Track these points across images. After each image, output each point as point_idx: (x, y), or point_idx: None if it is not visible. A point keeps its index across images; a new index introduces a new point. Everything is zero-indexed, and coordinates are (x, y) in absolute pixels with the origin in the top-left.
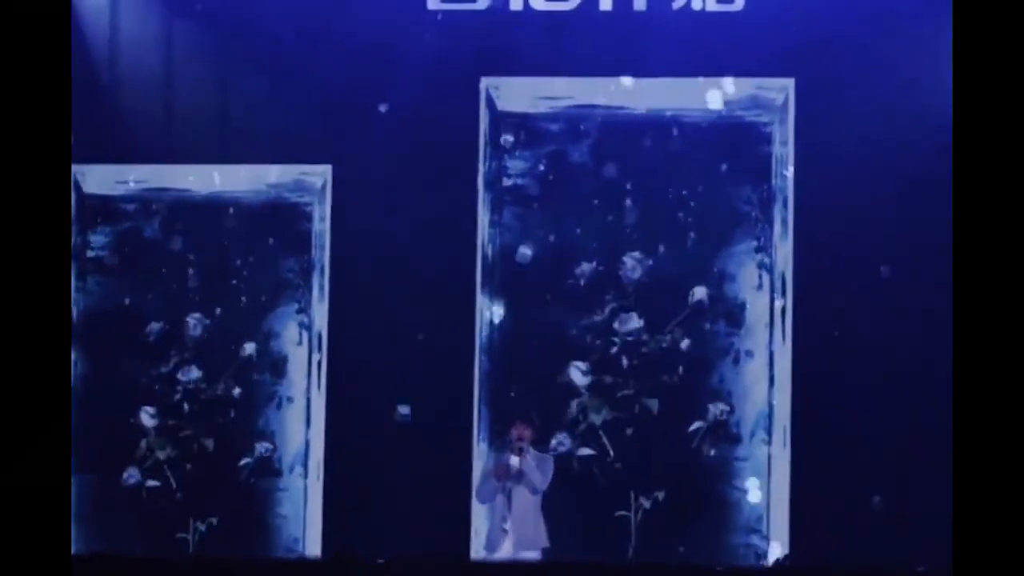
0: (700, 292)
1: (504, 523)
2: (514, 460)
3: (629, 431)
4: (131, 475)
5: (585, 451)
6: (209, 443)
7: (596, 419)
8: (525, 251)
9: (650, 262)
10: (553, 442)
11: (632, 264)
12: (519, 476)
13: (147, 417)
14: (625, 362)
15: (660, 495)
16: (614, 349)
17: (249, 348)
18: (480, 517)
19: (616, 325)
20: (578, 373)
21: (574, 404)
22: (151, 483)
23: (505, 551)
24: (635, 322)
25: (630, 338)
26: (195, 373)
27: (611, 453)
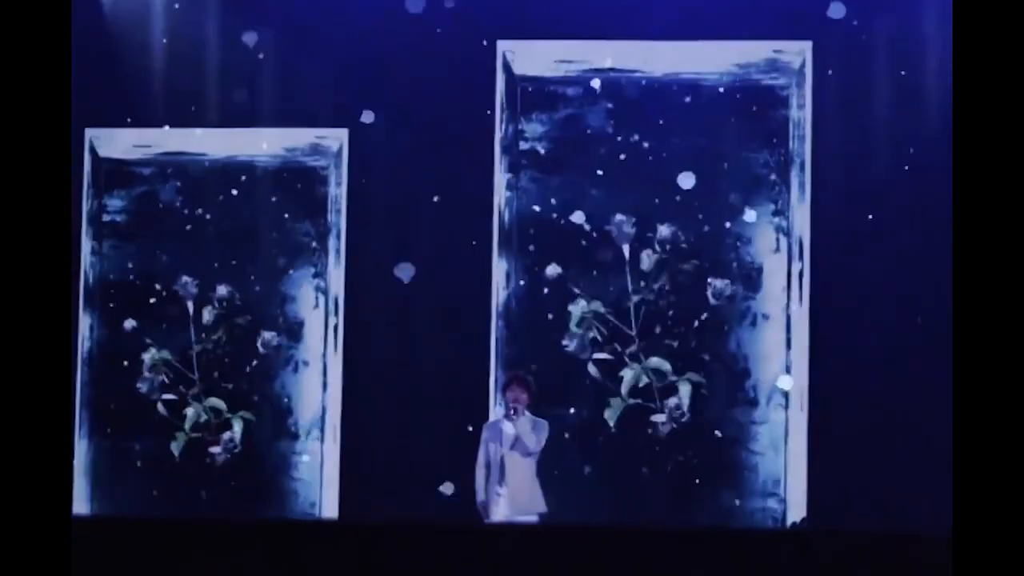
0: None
1: (499, 488)
2: (508, 427)
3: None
4: (147, 438)
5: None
6: (225, 407)
7: (612, 383)
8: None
9: (666, 226)
10: (571, 410)
11: (647, 228)
12: (512, 443)
13: (163, 380)
14: (640, 325)
15: (678, 458)
16: (629, 313)
17: (265, 312)
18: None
19: (631, 288)
20: (595, 337)
21: (590, 369)
22: (167, 446)
23: (500, 517)
24: (649, 284)
25: (645, 301)
26: (211, 337)
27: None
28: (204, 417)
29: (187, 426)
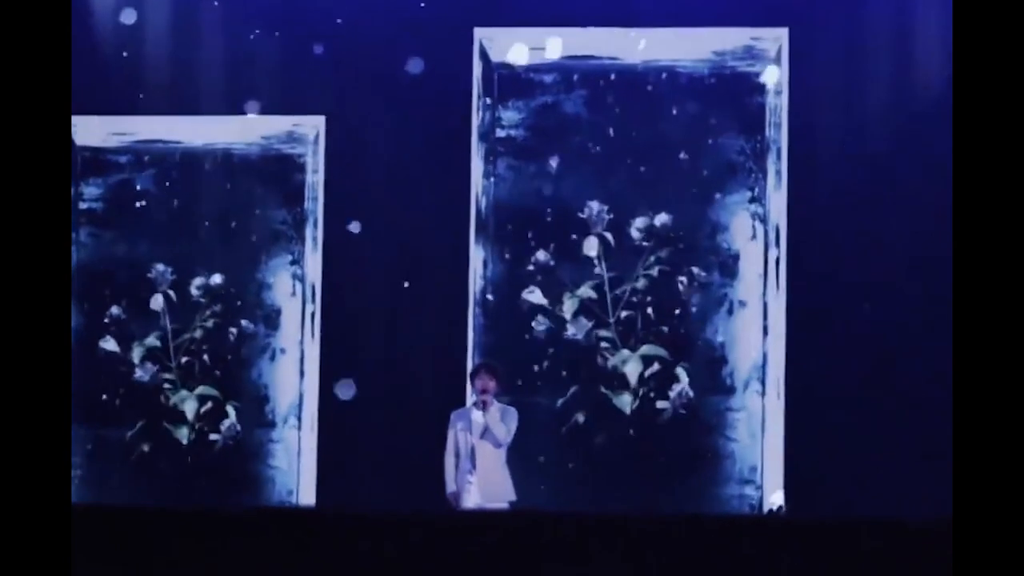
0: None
1: (469, 476)
2: (477, 416)
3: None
4: (125, 427)
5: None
6: (204, 394)
7: (592, 371)
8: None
9: (646, 213)
10: (560, 401)
11: (625, 215)
12: (482, 432)
13: (141, 370)
14: (621, 314)
15: (654, 445)
16: (607, 299)
17: (242, 300)
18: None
19: (608, 274)
20: (573, 325)
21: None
22: (146, 435)
23: (470, 505)
24: (628, 272)
25: (622, 289)
26: (188, 325)
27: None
28: (183, 405)
29: (162, 412)
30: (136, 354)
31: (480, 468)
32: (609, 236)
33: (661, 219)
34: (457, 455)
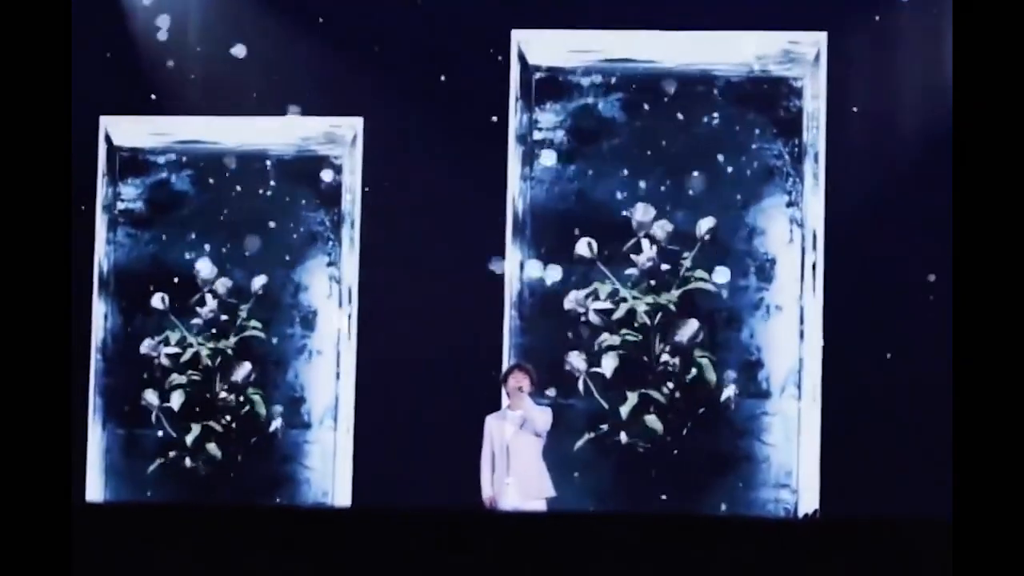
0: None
1: (506, 477)
2: (511, 414)
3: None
4: (161, 427)
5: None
6: (239, 396)
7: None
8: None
9: (679, 216)
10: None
11: (661, 218)
12: (520, 424)
13: (177, 371)
14: (655, 319)
15: (689, 449)
16: (643, 306)
17: (279, 300)
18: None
19: (644, 279)
20: (606, 331)
21: (603, 358)
22: (181, 435)
23: (509, 506)
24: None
25: (659, 294)
26: (225, 325)
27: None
28: (217, 405)
29: (199, 412)
30: (172, 354)
31: (516, 465)
32: (648, 239)
33: (699, 223)
34: (493, 458)
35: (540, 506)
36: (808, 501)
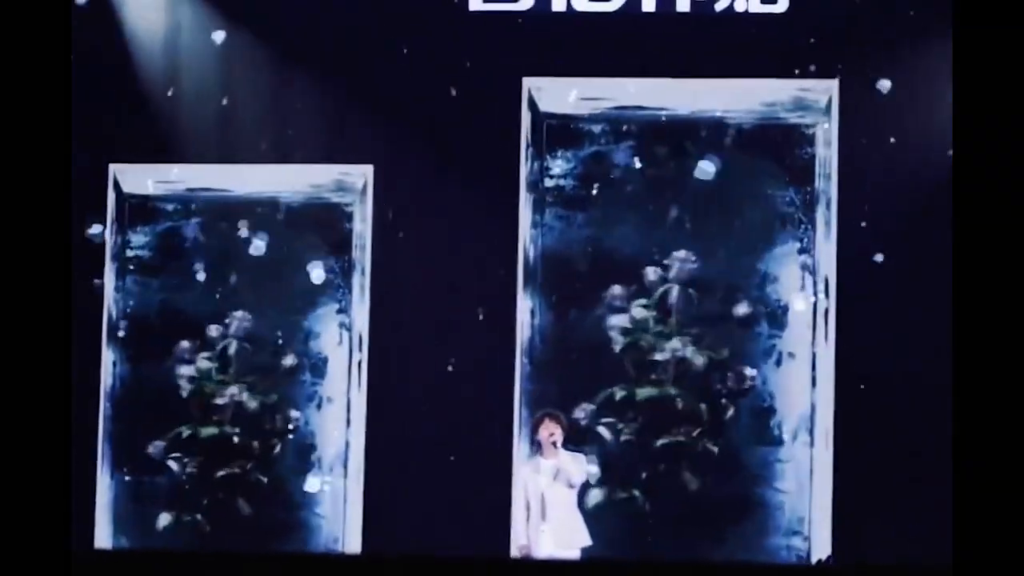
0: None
1: (541, 525)
2: (545, 463)
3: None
4: (171, 474)
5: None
6: (250, 444)
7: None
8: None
9: (692, 264)
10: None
11: (675, 266)
12: (555, 475)
13: (188, 416)
14: (669, 366)
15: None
16: (655, 354)
17: (289, 349)
18: (518, 518)
19: (656, 327)
20: (621, 377)
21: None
22: (192, 483)
23: (543, 554)
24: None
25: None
26: (235, 374)
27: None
28: (227, 452)
29: (207, 459)
30: (182, 401)
31: (552, 515)
32: (658, 285)
33: (707, 268)
34: (528, 507)
35: (575, 555)
36: (820, 548)
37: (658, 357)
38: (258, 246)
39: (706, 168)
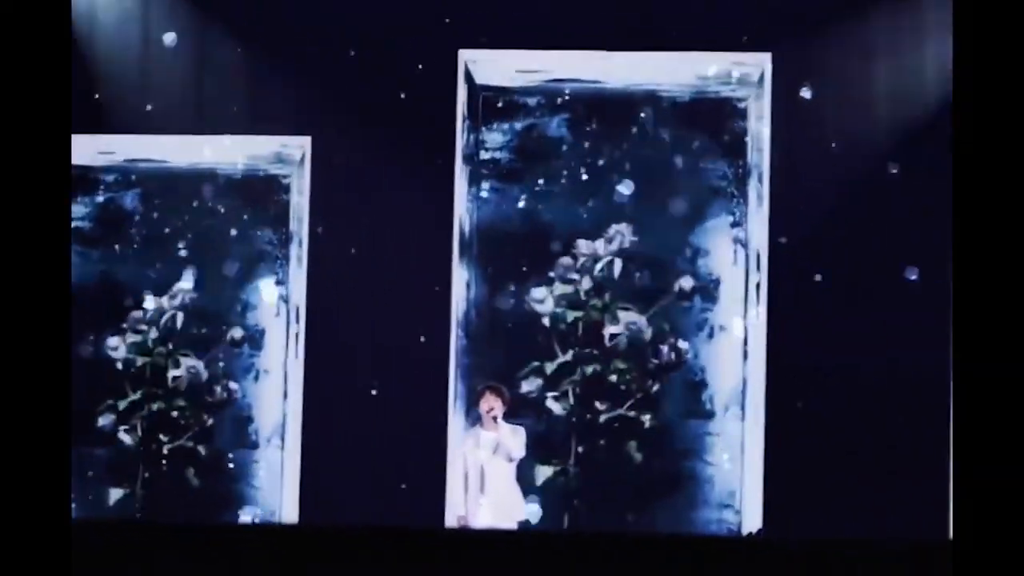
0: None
1: (480, 498)
2: (485, 435)
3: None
4: (110, 447)
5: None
6: (188, 414)
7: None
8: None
9: (626, 237)
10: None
11: (607, 239)
12: (494, 448)
13: (128, 389)
14: (603, 340)
15: (632, 468)
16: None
17: (227, 320)
18: (456, 489)
19: (590, 300)
20: (555, 351)
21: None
22: (130, 455)
23: (482, 524)
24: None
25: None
26: (173, 345)
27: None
28: (165, 424)
29: (147, 431)
30: (120, 373)
31: (491, 488)
32: (590, 259)
33: (640, 242)
34: (466, 477)
35: (512, 527)
36: (751, 521)
37: (592, 331)
38: (197, 217)
39: (623, 191)
